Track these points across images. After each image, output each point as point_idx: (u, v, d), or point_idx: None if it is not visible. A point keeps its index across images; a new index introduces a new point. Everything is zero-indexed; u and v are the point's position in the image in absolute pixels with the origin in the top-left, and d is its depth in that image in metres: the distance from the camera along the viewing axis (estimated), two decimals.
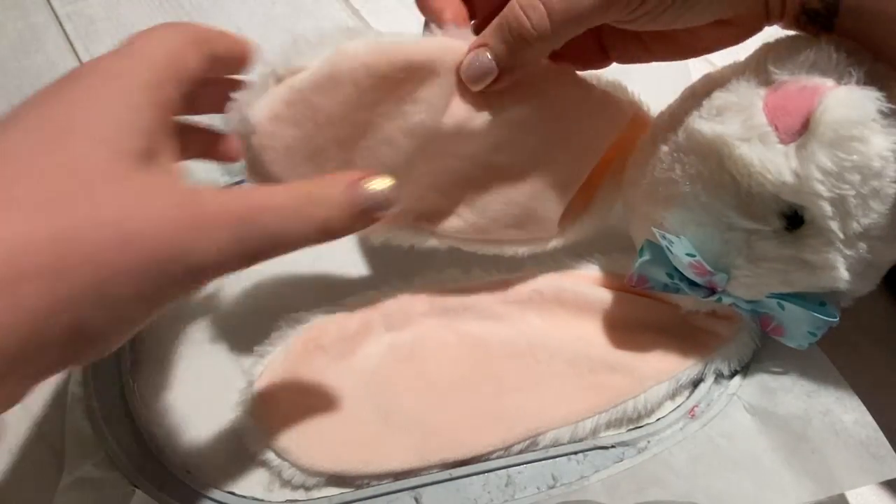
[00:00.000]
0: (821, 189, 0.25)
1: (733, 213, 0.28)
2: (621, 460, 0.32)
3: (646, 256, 0.31)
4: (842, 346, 0.33)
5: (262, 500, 0.31)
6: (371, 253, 0.39)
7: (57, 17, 0.53)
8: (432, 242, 0.33)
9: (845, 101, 0.24)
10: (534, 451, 0.32)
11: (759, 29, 0.29)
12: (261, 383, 0.31)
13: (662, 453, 0.32)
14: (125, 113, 0.21)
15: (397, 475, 0.31)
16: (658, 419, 0.33)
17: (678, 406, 0.34)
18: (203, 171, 0.39)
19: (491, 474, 0.32)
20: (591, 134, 0.32)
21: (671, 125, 0.30)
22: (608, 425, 0.33)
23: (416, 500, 0.31)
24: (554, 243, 0.35)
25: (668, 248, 0.30)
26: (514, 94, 0.29)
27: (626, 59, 0.32)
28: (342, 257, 0.39)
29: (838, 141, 0.24)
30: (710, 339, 0.34)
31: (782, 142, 0.26)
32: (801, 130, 0.25)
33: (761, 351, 0.34)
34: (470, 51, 0.27)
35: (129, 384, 0.33)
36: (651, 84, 0.33)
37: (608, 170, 0.34)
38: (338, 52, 0.26)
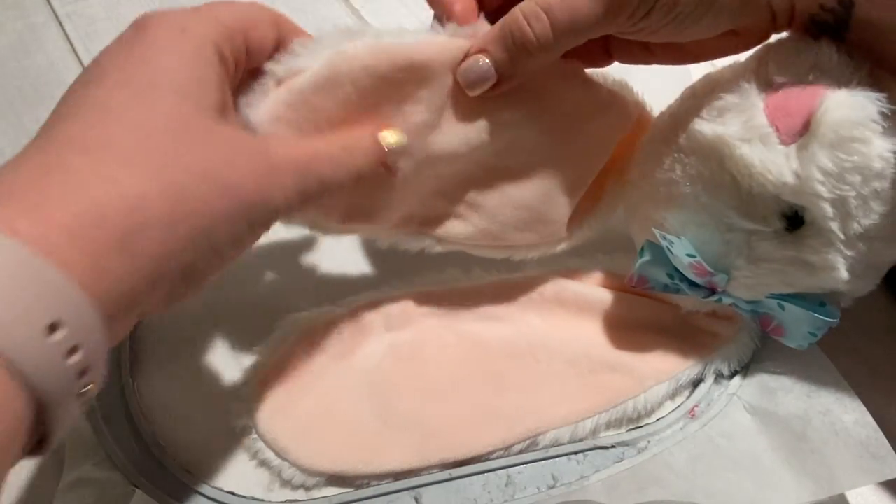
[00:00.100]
0: (821, 190, 0.25)
1: (734, 213, 0.28)
2: (621, 460, 0.32)
3: (646, 257, 0.31)
4: (842, 346, 0.33)
5: (262, 500, 0.31)
6: (371, 253, 0.39)
7: (57, 17, 0.52)
8: (440, 250, 0.33)
9: (846, 102, 0.24)
10: (534, 451, 0.32)
11: (766, 38, 0.28)
12: (261, 383, 0.31)
13: (662, 453, 0.32)
14: (201, 67, 0.22)
15: (397, 475, 0.31)
16: (658, 419, 0.33)
17: (678, 406, 0.34)
18: None
19: (491, 474, 0.32)
20: (599, 133, 0.32)
21: (672, 126, 0.30)
22: (608, 425, 0.33)
23: (415, 500, 0.31)
24: (562, 246, 0.34)
25: (668, 249, 0.30)
26: (521, 94, 0.29)
27: (628, 60, 0.32)
28: (342, 257, 0.38)
29: (839, 142, 0.25)
30: (710, 340, 0.34)
31: (783, 143, 0.26)
32: (801, 131, 0.25)
33: (761, 351, 0.34)
34: (469, 55, 0.27)
35: (129, 384, 0.33)
36: (651, 84, 0.33)
37: (613, 171, 0.34)
38: (338, 53, 0.25)
